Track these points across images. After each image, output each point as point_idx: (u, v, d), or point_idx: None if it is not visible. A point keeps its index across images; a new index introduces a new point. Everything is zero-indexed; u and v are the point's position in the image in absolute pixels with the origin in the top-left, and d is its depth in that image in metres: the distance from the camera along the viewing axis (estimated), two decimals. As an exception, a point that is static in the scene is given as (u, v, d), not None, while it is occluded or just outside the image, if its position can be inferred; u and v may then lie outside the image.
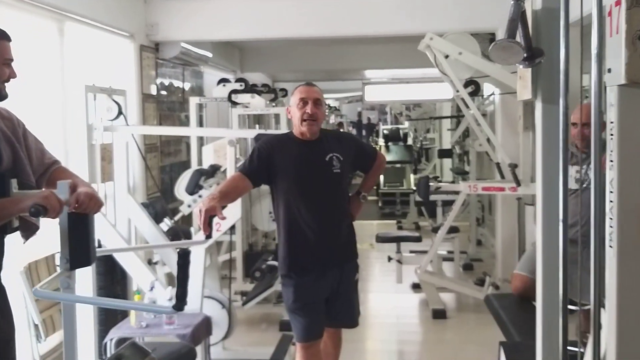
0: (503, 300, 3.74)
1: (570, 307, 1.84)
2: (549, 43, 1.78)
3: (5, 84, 2.10)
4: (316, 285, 2.97)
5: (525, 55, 1.68)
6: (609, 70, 1.40)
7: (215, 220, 3.84)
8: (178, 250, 1.86)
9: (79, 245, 2.22)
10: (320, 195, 2.95)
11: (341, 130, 14.82)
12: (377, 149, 12.22)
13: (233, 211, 3.84)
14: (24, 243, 2.42)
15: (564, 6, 1.65)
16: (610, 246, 1.40)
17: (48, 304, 3.96)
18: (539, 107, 1.85)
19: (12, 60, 2.09)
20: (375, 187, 11.46)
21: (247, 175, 2.93)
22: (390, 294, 5.80)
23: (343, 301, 3.06)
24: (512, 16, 1.59)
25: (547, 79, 1.80)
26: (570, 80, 1.70)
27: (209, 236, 2.75)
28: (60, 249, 2.24)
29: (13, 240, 2.28)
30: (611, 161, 1.42)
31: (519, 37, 1.68)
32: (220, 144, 4.88)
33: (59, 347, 4.10)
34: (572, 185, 2.70)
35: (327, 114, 16.51)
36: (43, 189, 2.17)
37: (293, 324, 3.04)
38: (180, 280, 1.84)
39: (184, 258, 1.83)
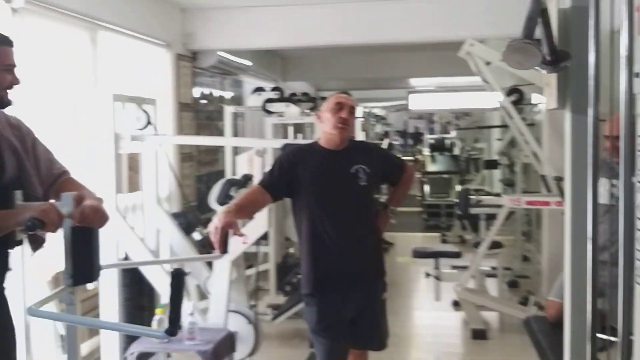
0: (543, 323, 3.47)
1: (601, 335, 1.65)
2: (578, 46, 1.59)
3: (8, 91, 2.04)
4: (341, 305, 2.80)
5: (548, 58, 1.49)
6: (637, 75, 1.21)
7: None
8: (172, 270, 1.74)
9: (83, 260, 2.14)
10: (345, 208, 2.79)
11: (387, 139, 14.59)
12: (422, 158, 12.04)
13: (259, 223, 3.74)
14: (32, 255, 2.36)
15: (593, 4, 1.46)
16: (638, 282, 1.20)
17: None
18: (567, 116, 1.66)
19: (13, 66, 2.03)
20: (419, 198, 11.20)
21: (266, 188, 2.80)
22: (428, 312, 5.57)
23: (369, 322, 2.89)
24: (530, 14, 1.40)
25: (577, 86, 1.61)
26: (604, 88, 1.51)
27: (224, 251, 2.63)
28: (64, 264, 2.17)
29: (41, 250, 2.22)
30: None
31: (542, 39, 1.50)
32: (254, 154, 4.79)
33: (86, 358, 4.08)
34: (606, 200, 2.46)
35: (373, 123, 16.38)
36: (43, 202, 2.10)
37: (316, 346, 2.89)
38: (173, 303, 1.72)
39: (177, 279, 1.70)
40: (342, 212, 2.78)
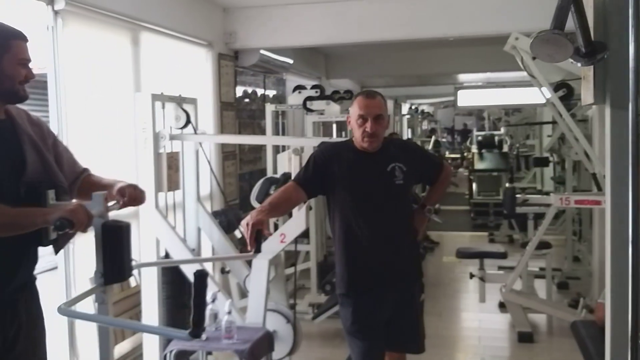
0: (591, 328, 3.32)
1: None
2: (617, 37, 1.49)
3: (24, 85, 2.07)
4: (377, 306, 2.75)
5: (583, 50, 1.40)
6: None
7: (280, 231, 3.75)
8: (195, 271, 1.72)
9: (114, 259, 2.16)
10: (380, 208, 2.72)
11: (434, 137, 14.40)
12: (471, 156, 11.79)
13: (298, 222, 3.71)
14: (55, 254, 2.38)
15: (634, -10, 1.36)
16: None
17: (118, 310, 4.02)
18: (607, 112, 1.56)
19: (28, 60, 2.06)
20: (467, 197, 10.98)
21: (301, 185, 2.76)
22: (473, 314, 5.43)
23: (406, 324, 2.82)
24: (562, 3, 1.31)
25: (616, 80, 1.50)
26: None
27: (257, 250, 2.61)
28: (95, 263, 2.18)
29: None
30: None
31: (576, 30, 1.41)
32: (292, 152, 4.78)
33: (129, 354, 4.15)
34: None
35: (419, 119, 16.16)
36: (72, 202, 2.12)
37: (351, 348, 2.84)
38: (196, 304, 1.70)
39: (200, 280, 1.68)
40: (377, 211, 2.72)
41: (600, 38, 1.51)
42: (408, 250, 2.82)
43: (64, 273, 3.66)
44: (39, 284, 2.25)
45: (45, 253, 2.26)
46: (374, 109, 2.69)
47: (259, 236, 2.59)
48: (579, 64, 1.49)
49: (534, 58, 4.41)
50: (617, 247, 1.58)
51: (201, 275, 1.70)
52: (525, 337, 4.64)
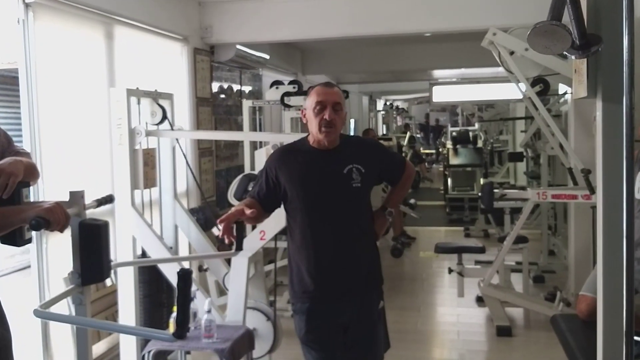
0: (571, 321, 3.33)
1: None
2: (610, 29, 1.47)
3: None
4: (332, 315, 2.59)
5: (577, 42, 1.38)
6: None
7: (259, 228, 3.69)
8: (178, 270, 1.66)
9: (92, 259, 2.09)
10: (337, 213, 2.55)
11: (408, 132, 14.43)
12: (445, 151, 11.87)
13: (277, 219, 3.64)
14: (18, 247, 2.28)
15: (627, -18, 1.34)
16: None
17: (94, 310, 3.93)
18: (598, 105, 1.54)
19: None
20: (442, 192, 11.04)
21: (257, 201, 2.59)
22: (451, 308, 5.45)
23: (364, 334, 2.66)
24: (558, -6, 1.29)
25: (609, 73, 1.49)
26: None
27: (239, 248, 2.53)
28: (72, 263, 2.11)
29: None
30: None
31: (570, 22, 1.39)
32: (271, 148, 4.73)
33: (105, 355, 4.06)
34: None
35: (394, 115, 16.22)
36: (50, 200, 2.04)
37: (306, 358, 2.66)
38: (181, 305, 1.64)
39: (184, 280, 1.62)
40: (334, 217, 2.55)
41: (593, 30, 1.49)
42: (367, 257, 2.66)
43: (37, 273, 3.55)
44: (10, 284, 2.17)
45: (17, 252, 2.18)
46: (333, 96, 2.51)
47: (240, 231, 2.50)
48: (573, 57, 1.47)
49: (511, 53, 4.43)
50: (609, 242, 1.57)
51: (185, 275, 1.64)
52: (503, 331, 4.67)
